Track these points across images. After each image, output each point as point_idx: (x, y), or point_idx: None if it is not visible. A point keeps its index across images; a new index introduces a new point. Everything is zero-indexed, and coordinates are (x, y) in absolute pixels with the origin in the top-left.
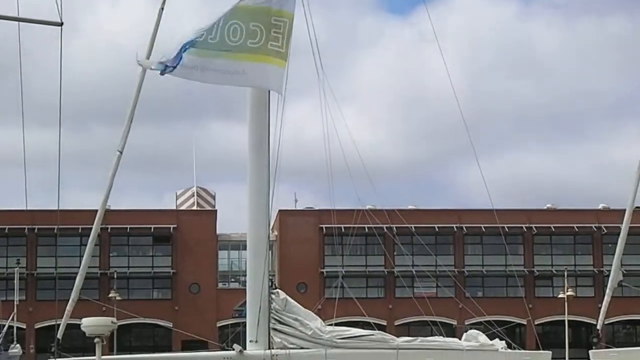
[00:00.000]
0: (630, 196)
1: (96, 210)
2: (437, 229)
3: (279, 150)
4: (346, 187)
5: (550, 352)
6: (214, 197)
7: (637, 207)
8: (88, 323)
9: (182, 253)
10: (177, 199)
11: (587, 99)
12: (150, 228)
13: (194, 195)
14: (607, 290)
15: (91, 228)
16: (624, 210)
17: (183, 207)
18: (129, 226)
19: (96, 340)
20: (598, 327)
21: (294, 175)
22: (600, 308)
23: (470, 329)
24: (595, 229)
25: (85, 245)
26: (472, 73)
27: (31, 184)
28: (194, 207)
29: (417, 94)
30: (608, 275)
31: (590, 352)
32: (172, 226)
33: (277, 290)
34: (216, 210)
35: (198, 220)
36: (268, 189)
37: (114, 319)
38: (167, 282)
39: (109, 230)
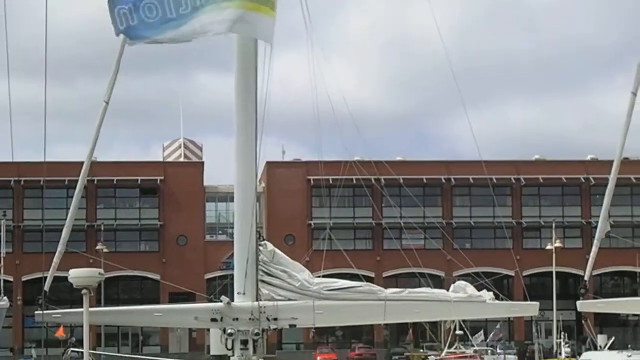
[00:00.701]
0: (618, 147)
1: (82, 162)
2: (425, 181)
3: (266, 102)
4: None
5: (538, 303)
6: (201, 149)
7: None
8: (75, 274)
9: (169, 205)
10: (164, 151)
11: (576, 51)
12: (137, 180)
13: (181, 147)
14: (595, 242)
15: (77, 180)
16: (612, 162)
17: (170, 159)
18: (115, 178)
19: (83, 291)
20: (586, 278)
21: (282, 126)
22: (587, 259)
23: (458, 280)
24: (583, 180)
25: (72, 197)
26: (462, 25)
27: (18, 136)
28: (181, 159)
29: (406, 45)
30: (596, 227)
31: (578, 302)
32: (159, 178)
33: (265, 242)
34: (203, 162)
35: (185, 172)
36: (255, 140)
37: (101, 271)
38: (154, 235)
39: (95, 182)
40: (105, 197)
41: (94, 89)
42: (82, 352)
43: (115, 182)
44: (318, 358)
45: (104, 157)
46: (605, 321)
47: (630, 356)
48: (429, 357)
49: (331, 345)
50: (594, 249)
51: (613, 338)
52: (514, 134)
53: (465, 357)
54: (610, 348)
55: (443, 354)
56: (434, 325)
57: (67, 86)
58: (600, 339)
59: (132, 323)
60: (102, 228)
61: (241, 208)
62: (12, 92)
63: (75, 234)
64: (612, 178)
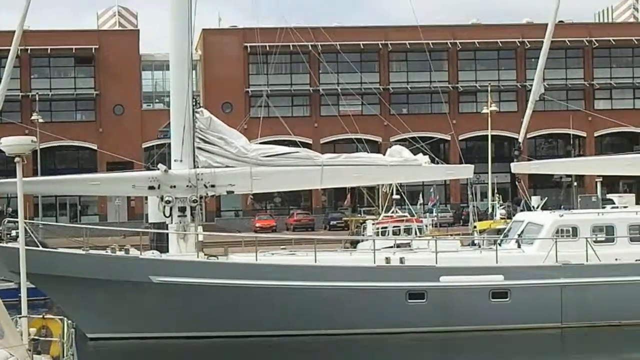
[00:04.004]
0: (553, 10)
1: (14, 31)
2: (362, 47)
3: None
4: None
5: (473, 165)
6: (136, 17)
7: (559, 22)
8: (7, 142)
9: (105, 74)
10: (98, 19)
11: None
12: (72, 49)
13: (115, 15)
14: (529, 104)
15: (9, 50)
16: (547, 25)
17: (105, 27)
18: (49, 47)
19: (17, 159)
20: (520, 140)
21: None
22: (522, 122)
23: (395, 145)
24: (518, 44)
25: (4, 67)
26: None
27: None
28: (116, 27)
29: None
30: (531, 90)
31: (512, 164)
32: (94, 47)
33: (201, 109)
34: (139, 30)
35: (120, 40)
36: (190, 6)
37: (34, 138)
38: (90, 104)
39: (28, 51)
40: (39, 66)
41: None
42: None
43: (49, 51)
44: (257, 224)
45: (36, 25)
46: (539, 183)
47: (562, 216)
48: (366, 221)
49: (270, 211)
50: (528, 112)
51: (546, 198)
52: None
53: (402, 220)
54: (543, 208)
55: (380, 218)
56: (372, 190)
57: None
58: (534, 200)
59: (69, 192)
60: (37, 98)
61: (177, 76)
62: None
63: (10, 104)
64: (546, 41)
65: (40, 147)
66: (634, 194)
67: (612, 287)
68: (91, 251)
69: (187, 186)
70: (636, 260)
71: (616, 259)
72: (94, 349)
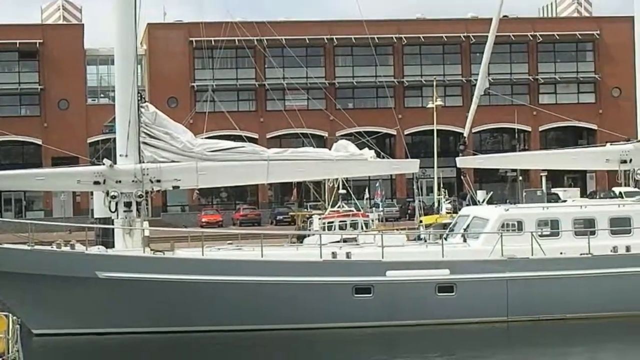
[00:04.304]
0: (497, 5)
1: None
2: (307, 41)
3: None
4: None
5: (419, 160)
6: (80, 11)
7: (504, 16)
8: None
9: (50, 69)
10: (42, 13)
11: None
12: (16, 43)
13: (59, 9)
14: (474, 99)
15: None
16: (492, 20)
17: (49, 22)
18: None
19: None
20: (465, 134)
21: None
22: (468, 117)
23: (341, 139)
24: (463, 39)
25: None
26: None
27: None
28: (60, 22)
29: None
30: (476, 85)
31: (457, 159)
32: (38, 41)
33: (147, 103)
34: (83, 25)
35: (65, 34)
36: (135, 1)
37: None
38: (35, 99)
39: None
40: None
41: None
42: None
43: None
44: (203, 219)
45: None
46: (484, 177)
47: (507, 210)
48: (313, 216)
49: (216, 206)
50: (473, 106)
51: (491, 193)
52: None
53: (348, 215)
54: (488, 203)
55: (326, 212)
56: (318, 184)
57: None
58: (480, 195)
59: (14, 187)
60: None
61: (122, 70)
62: None
63: None
64: (491, 36)
65: None
66: (578, 188)
67: (557, 280)
68: (36, 247)
69: (133, 181)
70: (581, 254)
71: (561, 253)
72: (39, 345)
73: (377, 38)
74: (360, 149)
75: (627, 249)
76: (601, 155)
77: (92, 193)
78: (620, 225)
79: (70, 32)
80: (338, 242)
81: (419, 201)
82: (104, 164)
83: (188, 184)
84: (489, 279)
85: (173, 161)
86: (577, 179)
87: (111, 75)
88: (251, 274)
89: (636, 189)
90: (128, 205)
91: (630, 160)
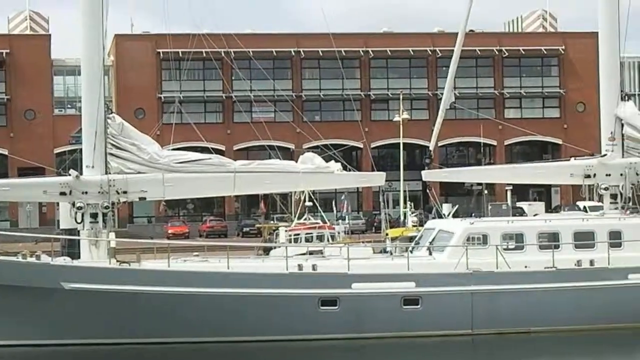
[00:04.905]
0: (463, 19)
1: None
2: (275, 54)
3: None
4: (183, 11)
5: (385, 173)
6: (47, 21)
7: (470, 30)
8: None
9: (16, 79)
10: (9, 23)
11: None
12: None
13: (27, 19)
14: (440, 112)
15: None
16: (458, 34)
17: (16, 32)
18: None
19: None
20: (431, 148)
21: None
22: (433, 130)
23: (307, 152)
24: (430, 53)
25: None
26: None
27: None
28: (27, 32)
29: None
30: (442, 98)
31: (423, 172)
32: (4, 51)
33: (113, 114)
34: (50, 35)
35: (32, 45)
36: (102, 11)
37: None
38: (1, 109)
39: None
40: None
41: None
42: None
43: None
44: (169, 231)
45: None
46: (450, 190)
47: (472, 223)
48: (279, 228)
49: (182, 218)
50: (439, 120)
51: (457, 206)
52: (361, 7)
53: (315, 227)
54: (454, 216)
55: (293, 224)
56: (284, 197)
57: None
58: (445, 208)
59: None
60: None
61: (89, 81)
62: None
63: None
64: (457, 50)
65: None
66: (543, 202)
67: (522, 294)
68: (1, 257)
69: (99, 192)
70: (545, 268)
71: (526, 267)
72: (3, 356)
73: (344, 51)
74: (327, 161)
75: (591, 262)
76: (565, 170)
77: (58, 204)
78: (584, 240)
79: (37, 42)
80: (304, 254)
81: (385, 214)
82: (70, 175)
83: (154, 196)
84: (454, 292)
85: (139, 172)
86: (542, 193)
87: (78, 85)
88: (217, 286)
89: (600, 204)
90: (94, 216)
91: (594, 175)
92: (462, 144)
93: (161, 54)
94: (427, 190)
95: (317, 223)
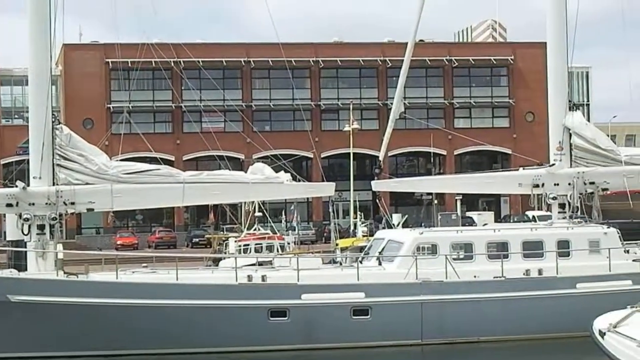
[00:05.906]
0: (413, 29)
1: None
2: (225, 63)
3: None
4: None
5: (334, 183)
6: None
7: (420, 40)
8: None
9: None
10: None
11: None
12: None
13: None
14: (390, 122)
15: None
16: (407, 44)
17: None
18: None
19: None
20: (380, 158)
21: (79, 6)
22: (383, 140)
23: (257, 162)
24: (380, 63)
25: None
26: None
27: None
28: None
29: None
30: (392, 108)
31: (373, 182)
32: None
33: (61, 125)
34: None
35: None
36: (50, 20)
37: None
38: None
39: None
40: None
41: None
42: None
43: None
44: (118, 242)
45: None
46: (400, 200)
47: (422, 233)
48: (229, 239)
49: (131, 229)
50: (389, 130)
51: (407, 216)
52: (312, 16)
53: (264, 238)
54: (404, 226)
55: (242, 235)
56: (234, 207)
57: None
58: (395, 218)
59: None
60: None
61: (36, 91)
62: None
63: None
64: (406, 60)
65: None
66: (492, 212)
67: (471, 303)
68: None
69: (46, 203)
70: (494, 277)
71: (475, 276)
72: None
73: (294, 61)
74: (277, 171)
75: (539, 272)
76: (514, 180)
77: (4, 215)
78: (532, 249)
79: None
80: (254, 265)
81: (335, 224)
82: (16, 186)
83: (103, 207)
84: (404, 302)
85: (87, 183)
86: (491, 202)
87: (25, 96)
88: (165, 297)
89: (548, 213)
90: (41, 227)
91: (543, 185)
92: (412, 154)
93: (110, 64)
94: (377, 200)
95: (266, 233)
